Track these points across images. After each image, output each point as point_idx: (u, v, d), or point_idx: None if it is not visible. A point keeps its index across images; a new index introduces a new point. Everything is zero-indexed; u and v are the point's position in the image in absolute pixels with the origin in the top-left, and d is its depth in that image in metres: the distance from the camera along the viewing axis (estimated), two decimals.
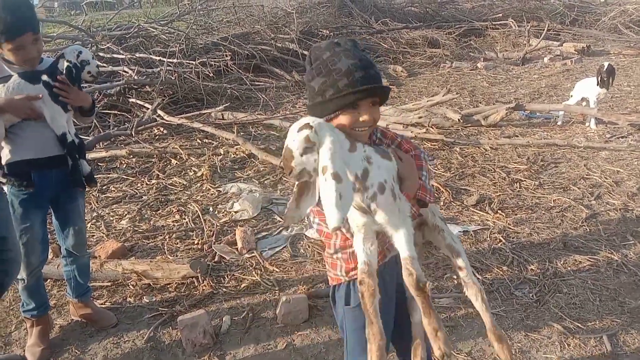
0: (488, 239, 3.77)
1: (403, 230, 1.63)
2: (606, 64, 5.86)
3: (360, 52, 1.69)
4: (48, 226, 2.94)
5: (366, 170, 1.59)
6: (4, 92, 2.47)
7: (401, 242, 1.63)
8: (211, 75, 8.06)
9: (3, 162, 2.59)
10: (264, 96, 7.82)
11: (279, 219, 4.27)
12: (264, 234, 4.04)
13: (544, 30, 11.06)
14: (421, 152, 1.87)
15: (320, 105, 1.67)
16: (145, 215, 4.46)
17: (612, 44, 11.28)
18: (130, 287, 3.41)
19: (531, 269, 3.38)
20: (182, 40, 8.65)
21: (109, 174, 5.33)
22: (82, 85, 2.74)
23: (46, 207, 2.80)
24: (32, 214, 2.68)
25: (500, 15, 13.09)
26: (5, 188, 2.61)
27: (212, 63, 8.27)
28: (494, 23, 12.59)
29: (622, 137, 5.73)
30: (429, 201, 1.77)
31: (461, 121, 6.24)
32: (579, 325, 2.84)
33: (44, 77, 2.57)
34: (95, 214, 4.49)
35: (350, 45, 1.71)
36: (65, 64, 2.62)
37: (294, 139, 1.53)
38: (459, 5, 15.17)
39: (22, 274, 2.73)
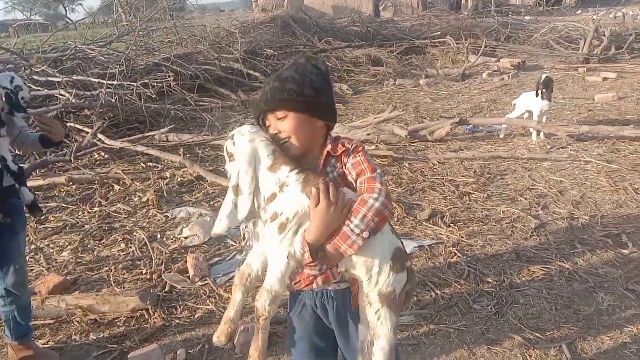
0: (443, 252, 3.78)
1: (274, 263, 1.66)
2: (543, 76, 6.11)
3: (304, 69, 1.75)
4: None
5: (273, 195, 1.65)
6: None
7: (267, 274, 1.69)
8: (154, 96, 7.85)
9: None
10: (209, 116, 7.67)
11: (232, 242, 4.14)
12: (216, 259, 3.90)
13: (481, 47, 11.46)
14: (370, 197, 1.64)
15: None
16: (88, 246, 4.22)
17: (545, 58, 11.83)
18: (75, 323, 3.19)
19: (487, 281, 3.40)
20: (122, 62, 8.40)
21: (48, 202, 5.04)
22: (23, 110, 2.57)
23: None
24: None
25: (439, 33, 13.51)
26: None
27: (154, 84, 8.06)
28: (433, 41, 12.97)
29: (562, 148, 5.95)
30: (344, 252, 1.65)
31: (408, 137, 6.32)
32: (538, 335, 2.87)
33: None
34: (33, 246, 4.21)
35: (304, 61, 1.77)
36: (2, 90, 2.46)
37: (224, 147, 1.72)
38: (399, 24, 15.58)
39: None
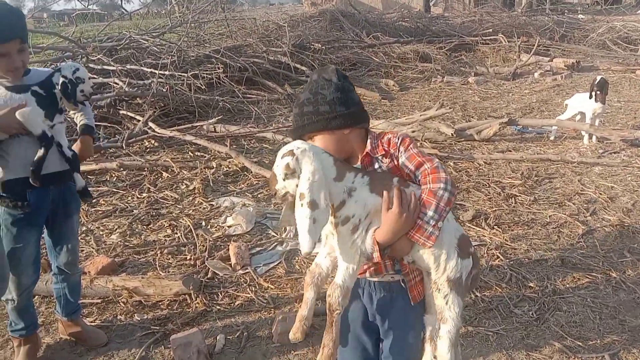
0: (485, 255, 3.73)
1: (345, 264, 1.74)
2: (598, 77, 5.91)
3: (316, 86, 1.83)
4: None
5: (343, 202, 1.70)
6: None
7: (338, 271, 1.76)
8: (203, 87, 8.01)
9: None
10: (256, 109, 7.77)
11: (273, 233, 4.20)
12: (258, 249, 3.97)
13: (534, 45, 11.16)
14: (438, 188, 1.69)
15: None
16: (136, 230, 4.37)
17: (601, 59, 11.41)
18: (121, 304, 3.32)
19: (530, 286, 3.33)
20: (174, 53, 8.60)
21: (99, 187, 5.24)
22: (77, 102, 2.66)
23: (41, 226, 2.71)
24: (27, 234, 2.59)
25: (490, 30, 13.22)
26: None
27: (204, 75, 8.23)
28: (484, 38, 12.71)
29: (614, 153, 5.75)
30: (423, 244, 1.72)
31: (454, 135, 6.24)
32: (580, 344, 2.80)
33: (35, 88, 2.50)
34: (84, 228, 4.39)
35: (316, 77, 1.86)
36: (61, 79, 2.55)
37: (277, 165, 1.70)
38: (449, 20, 15.32)
39: (12, 294, 2.65)
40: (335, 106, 1.81)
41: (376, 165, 1.83)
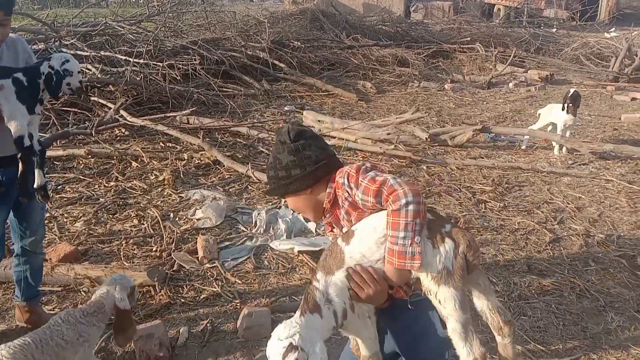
0: None
1: (363, 334, 1.92)
2: (572, 90, 6.02)
3: (275, 149, 1.96)
4: None
5: (336, 315, 1.78)
6: None
7: (361, 345, 1.95)
8: (178, 78, 7.88)
9: None
10: (231, 103, 7.68)
11: (243, 228, 4.14)
12: (226, 243, 3.91)
13: (509, 56, 11.32)
14: (400, 205, 1.63)
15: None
16: (102, 219, 4.26)
17: (574, 73, 11.64)
18: (82, 293, 3.22)
19: (496, 290, 3.35)
20: (150, 41, 8.44)
21: (65, 173, 5.09)
22: (58, 95, 2.54)
23: (9, 205, 2.61)
24: None
25: (468, 39, 13.36)
26: None
27: (180, 66, 8.09)
28: (462, 46, 12.84)
29: (583, 164, 5.86)
30: (412, 268, 1.69)
31: (429, 140, 6.28)
32: (543, 348, 2.83)
33: (18, 75, 2.38)
34: (48, 214, 4.25)
35: (276, 138, 1.98)
36: (47, 69, 2.44)
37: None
38: (429, 27, 15.45)
39: None
40: (291, 170, 1.90)
41: (341, 210, 1.90)
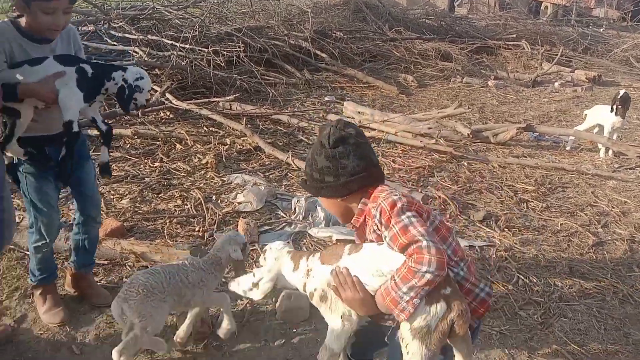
0: (494, 256, 3.72)
1: (330, 326, 1.95)
2: (622, 92, 5.86)
3: (315, 149, 1.92)
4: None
5: (304, 284, 2.02)
6: (37, 76, 2.37)
7: (328, 334, 1.97)
8: (222, 64, 7.97)
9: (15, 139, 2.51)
10: (273, 91, 7.73)
11: (282, 214, 4.20)
12: (266, 228, 3.97)
13: (556, 55, 11.05)
14: (419, 269, 1.62)
15: None
16: (147, 197, 4.38)
17: (623, 75, 11.30)
18: (127, 267, 3.33)
19: (536, 290, 3.32)
20: (196, 27, 8.55)
21: (112, 152, 5.23)
22: (129, 109, 2.65)
23: (55, 175, 2.73)
24: (48, 182, 2.64)
25: (514, 35, 13.07)
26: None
27: (224, 53, 8.18)
28: (507, 43, 12.56)
29: (630, 169, 5.70)
30: (397, 316, 1.71)
31: (470, 136, 6.21)
32: (583, 351, 2.80)
33: (84, 65, 2.48)
34: None
35: (318, 134, 1.97)
36: (121, 82, 2.54)
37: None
38: (473, 22, 15.17)
39: (45, 238, 2.74)
40: (324, 176, 1.86)
41: (367, 231, 1.89)
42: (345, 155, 1.82)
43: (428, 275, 1.61)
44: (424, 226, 1.69)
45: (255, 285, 2.11)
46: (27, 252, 3.38)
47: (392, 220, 1.72)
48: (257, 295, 2.13)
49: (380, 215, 1.76)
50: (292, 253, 2.10)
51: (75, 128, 2.48)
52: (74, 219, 3.00)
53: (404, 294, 1.65)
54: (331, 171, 1.84)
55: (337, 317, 1.89)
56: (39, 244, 2.74)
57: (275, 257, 2.11)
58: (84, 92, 2.47)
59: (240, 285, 2.18)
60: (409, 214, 1.72)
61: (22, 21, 2.40)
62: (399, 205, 1.74)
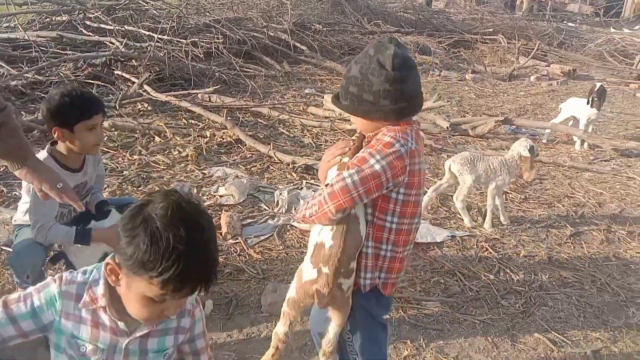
0: (475, 246, 3.77)
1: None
2: (598, 84, 5.97)
3: (368, 66, 1.73)
4: None
5: None
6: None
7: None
8: (201, 56, 7.88)
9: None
10: (252, 83, 7.68)
11: (265, 207, 4.18)
12: (249, 221, 3.94)
13: (532, 49, 11.21)
14: (334, 180, 1.73)
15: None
16: (126, 191, 4.30)
17: (597, 70, 11.52)
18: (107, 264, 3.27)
19: (517, 280, 3.38)
20: (174, 18, 8.44)
21: None
22: None
23: None
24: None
25: (491, 30, 13.23)
26: None
27: (203, 44, 8.09)
28: (484, 37, 12.71)
29: (605, 161, 5.83)
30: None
31: (449, 129, 6.26)
32: (564, 338, 2.85)
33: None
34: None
35: (373, 52, 1.76)
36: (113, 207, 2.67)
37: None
38: (451, 16, 15.30)
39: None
40: (380, 99, 1.68)
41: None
42: (406, 80, 1.69)
43: (326, 192, 1.73)
44: (364, 187, 1.67)
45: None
46: (3, 248, 3.31)
47: (370, 150, 1.69)
48: None
49: (375, 142, 1.71)
50: None
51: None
52: None
53: (306, 209, 1.80)
54: (390, 95, 1.67)
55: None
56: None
57: None
58: None
59: None
60: (377, 167, 1.66)
61: (58, 151, 2.45)
62: (392, 149, 1.67)
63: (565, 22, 16.68)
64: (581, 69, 11.47)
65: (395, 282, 1.86)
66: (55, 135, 2.38)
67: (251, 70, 8.47)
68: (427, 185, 4.42)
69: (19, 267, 2.58)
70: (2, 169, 4.34)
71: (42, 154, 2.41)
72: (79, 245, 2.50)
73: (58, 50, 6.90)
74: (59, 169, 2.38)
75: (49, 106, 2.34)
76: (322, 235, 1.77)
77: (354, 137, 1.88)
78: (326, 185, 1.76)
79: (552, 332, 2.89)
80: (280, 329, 1.98)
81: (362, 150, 1.76)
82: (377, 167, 1.65)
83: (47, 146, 2.47)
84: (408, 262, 1.88)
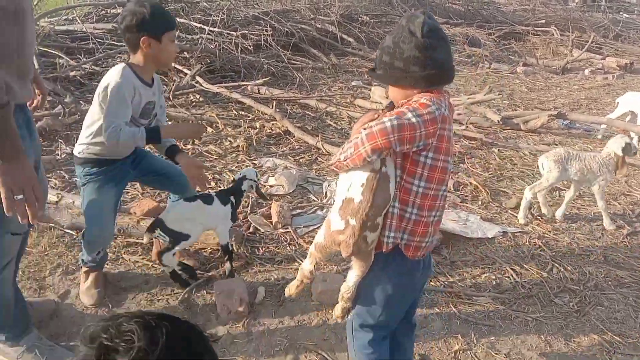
0: (527, 243, 3.71)
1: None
2: None
3: (399, 36, 1.80)
4: None
5: None
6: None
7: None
8: (250, 48, 7.99)
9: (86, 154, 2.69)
10: (300, 75, 7.73)
11: (314, 198, 4.23)
12: (299, 211, 4.00)
13: (587, 41, 10.83)
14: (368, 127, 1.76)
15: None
16: None
17: None
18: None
19: (571, 279, 3.31)
20: (224, 11, 8.56)
21: None
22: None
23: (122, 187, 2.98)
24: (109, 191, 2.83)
25: (543, 21, 12.83)
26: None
27: (252, 36, 8.19)
28: (535, 29, 12.35)
29: None
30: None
31: (500, 123, 6.14)
32: (621, 340, 2.79)
33: (232, 198, 3.03)
34: None
35: (404, 23, 1.81)
36: (252, 183, 3.13)
37: None
38: (501, 7, 14.91)
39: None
40: (410, 65, 1.74)
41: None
42: (437, 47, 1.74)
43: (361, 136, 1.74)
44: (400, 134, 1.69)
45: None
46: (67, 230, 3.47)
47: (402, 108, 1.75)
48: None
49: (401, 107, 1.77)
50: None
51: (230, 247, 3.05)
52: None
53: (341, 154, 1.82)
54: (419, 61, 1.73)
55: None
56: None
57: None
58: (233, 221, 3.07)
59: None
60: (414, 120, 1.69)
61: (134, 64, 2.54)
62: (424, 111, 1.71)
63: (622, 13, 15.99)
64: (639, 62, 11.00)
65: (419, 245, 1.86)
66: (144, 45, 2.48)
67: (299, 63, 8.52)
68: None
69: (92, 245, 2.74)
70: (64, 156, 4.54)
71: (119, 66, 2.52)
72: (177, 213, 2.79)
73: (114, 42, 7.11)
74: (137, 81, 2.51)
75: (137, 16, 2.42)
76: (352, 192, 1.79)
77: (382, 108, 1.92)
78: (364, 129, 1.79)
79: (609, 333, 2.82)
80: (307, 266, 2.03)
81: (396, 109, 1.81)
82: (414, 120, 1.69)
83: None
84: (434, 229, 1.88)
